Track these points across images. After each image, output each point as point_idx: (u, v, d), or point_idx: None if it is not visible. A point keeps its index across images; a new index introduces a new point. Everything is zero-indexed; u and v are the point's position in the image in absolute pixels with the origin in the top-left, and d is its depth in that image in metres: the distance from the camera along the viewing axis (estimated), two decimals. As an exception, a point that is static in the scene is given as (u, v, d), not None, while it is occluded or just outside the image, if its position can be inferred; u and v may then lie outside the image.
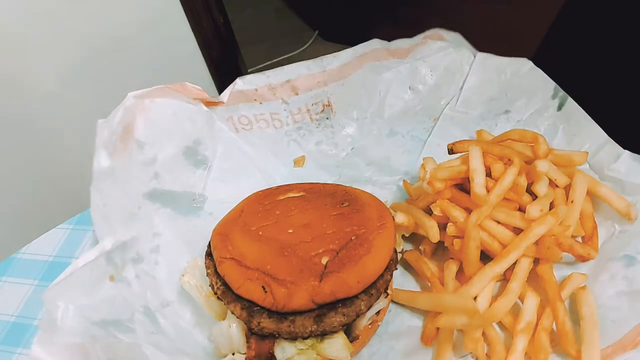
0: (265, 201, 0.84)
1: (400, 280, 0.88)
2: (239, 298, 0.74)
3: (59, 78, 1.19)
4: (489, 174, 0.83)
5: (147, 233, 0.88)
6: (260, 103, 0.99)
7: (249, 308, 0.73)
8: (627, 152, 0.90)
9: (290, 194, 0.84)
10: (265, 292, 0.72)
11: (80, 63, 1.21)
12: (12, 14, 1.08)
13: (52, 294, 0.72)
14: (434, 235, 0.83)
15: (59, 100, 1.21)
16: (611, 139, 0.92)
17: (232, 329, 0.76)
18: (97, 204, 0.82)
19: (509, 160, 0.83)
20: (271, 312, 0.73)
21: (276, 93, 1.01)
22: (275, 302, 0.72)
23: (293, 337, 0.74)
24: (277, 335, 0.74)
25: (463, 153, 0.87)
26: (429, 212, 0.85)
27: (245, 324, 0.75)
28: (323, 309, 0.73)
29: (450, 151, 0.88)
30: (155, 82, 0.91)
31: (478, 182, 0.81)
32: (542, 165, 0.82)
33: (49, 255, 0.95)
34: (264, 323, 0.73)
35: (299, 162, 1.04)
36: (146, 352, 0.70)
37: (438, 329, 0.78)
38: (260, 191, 0.88)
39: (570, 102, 0.97)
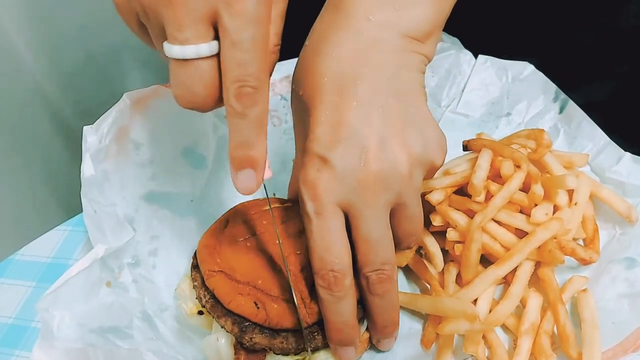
0: (252, 211, 0.82)
1: (400, 282, 0.87)
2: (229, 312, 0.72)
3: (58, 77, 1.19)
4: (498, 174, 0.82)
5: (145, 236, 0.87)
6: (259, 99, 0.98)
7: (240, 323, 0.72)
8: (628, 154, 0.90)
9: (277, 205, 0.83)
10: (258, 308, 0.71)
11: (80, 62, 1.20)
12: (11, 14, 1.07)
13: (46, 303, 0.71)
14: (438, 263, 0.83)
15: (56, 99, 1.20)
16: (612, 142, 0.91)
17: (221, 343, 0.75)
18: (88, 211, 0.81)
19: (517, 166, 0.82)
20: (263, 328, 0.72)
21: (275, 89, 1.00)
22: (268, 318, 0.71)
23: (285, 353, 0.73)
24: (268, 350, 0.73)
25: (474, 155, 0.86)
26: (428, 219, 0.83)
27: (237, 339, 0.73)
28: (316, 325, 0.72)
29: (465, 148, 0.88)
30: (154, 81, 0.90)
31: (478, 176, 0.80)
32: (572, 182, 0.79)
33: (47, 257, 0.95)
34: (257, 338, 0.72)
35: (298, 161, 1.02)
36: (146, 359, 0.69)
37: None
38: (245, 202, 0.85)
39: (572, 105, 0.97)
